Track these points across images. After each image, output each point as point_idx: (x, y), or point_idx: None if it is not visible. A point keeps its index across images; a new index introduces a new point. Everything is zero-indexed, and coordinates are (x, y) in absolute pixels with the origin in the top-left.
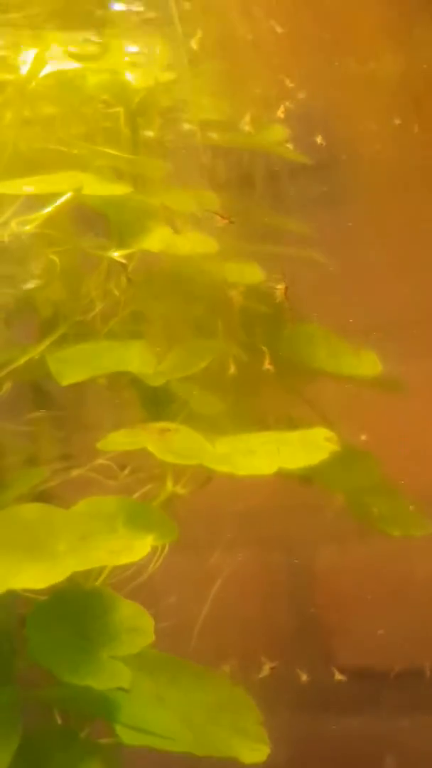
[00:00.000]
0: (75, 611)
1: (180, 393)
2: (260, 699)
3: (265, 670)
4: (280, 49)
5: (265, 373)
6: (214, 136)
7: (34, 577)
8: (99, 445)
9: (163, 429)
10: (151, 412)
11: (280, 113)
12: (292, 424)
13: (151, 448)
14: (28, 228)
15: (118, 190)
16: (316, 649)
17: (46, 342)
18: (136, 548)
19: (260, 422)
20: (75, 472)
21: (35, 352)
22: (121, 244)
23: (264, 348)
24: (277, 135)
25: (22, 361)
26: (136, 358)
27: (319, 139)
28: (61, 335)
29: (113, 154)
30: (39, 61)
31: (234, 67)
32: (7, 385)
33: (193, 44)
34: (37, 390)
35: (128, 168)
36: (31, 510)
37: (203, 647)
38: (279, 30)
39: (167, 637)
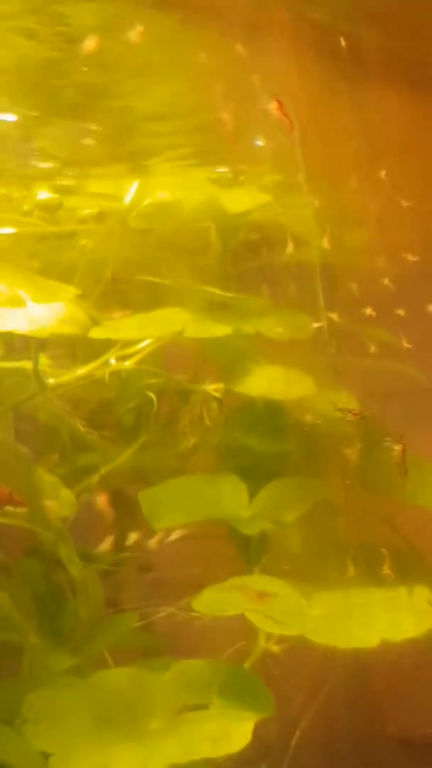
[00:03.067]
0: None
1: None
2: None
3: None
4: (404, 222)
5: (357, 504)
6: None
7: (131, 764)
8: (194, 605)
9: (261, 593)
10: (239, 542)
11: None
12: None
13: (249, 615)
14: (127, 364)
15: (219, 331)
16: None
17: (129, 452)
18: (236, 736)
19: (352, 558)
20: (162, 613)
21: (116, 462)
22: (217, 379)
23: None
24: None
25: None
26: (228, 497)
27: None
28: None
29: (212, 291)
30: (142, 192)
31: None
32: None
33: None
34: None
35: (226, 301)
36: (122, 676)
37: None
38: (404, 204)
39: None
